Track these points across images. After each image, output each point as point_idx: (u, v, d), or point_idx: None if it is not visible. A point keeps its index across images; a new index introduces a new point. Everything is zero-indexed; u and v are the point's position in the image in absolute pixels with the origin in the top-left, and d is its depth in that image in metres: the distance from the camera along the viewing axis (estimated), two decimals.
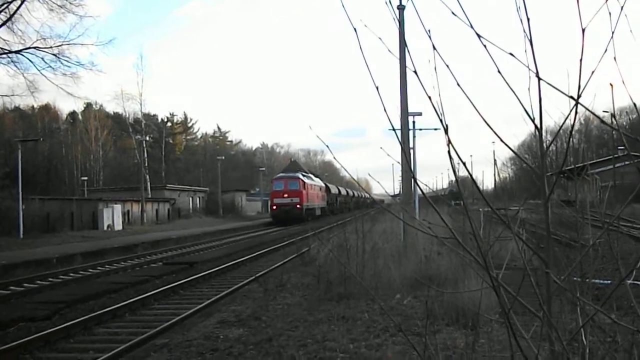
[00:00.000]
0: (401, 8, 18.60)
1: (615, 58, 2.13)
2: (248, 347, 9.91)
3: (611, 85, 2.20)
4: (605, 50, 2.13)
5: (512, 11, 2.16)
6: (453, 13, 2.13)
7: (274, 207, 59.91)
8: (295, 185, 60.07)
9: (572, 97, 2.09)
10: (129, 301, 14.82)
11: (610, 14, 2.07)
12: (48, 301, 15.14)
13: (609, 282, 8.19)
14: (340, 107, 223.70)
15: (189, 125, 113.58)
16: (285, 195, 58.81)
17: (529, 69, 2.16)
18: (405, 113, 20.14)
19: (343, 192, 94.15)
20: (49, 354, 10.68)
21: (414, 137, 35.86)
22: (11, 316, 13.22)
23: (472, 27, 2.16)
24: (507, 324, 2.37)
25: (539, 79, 2.14)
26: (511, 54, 2.14)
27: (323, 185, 77.03)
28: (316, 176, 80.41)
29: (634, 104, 2.33)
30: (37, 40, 35.44)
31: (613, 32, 2.10)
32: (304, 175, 65.59)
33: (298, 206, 58.51)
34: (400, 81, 19.44)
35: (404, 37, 15.37)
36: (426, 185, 4.19)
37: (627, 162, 2.50)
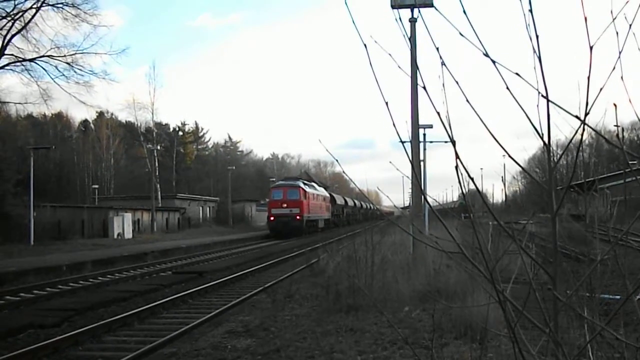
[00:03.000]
0: (413, 21, 18.68)
1: (622, 77, 2.15)
2: (256, 357, 9.92)
3: (615, 105, 2.22)
4: (614, 68, 2.15)
5: (522, 28, 2.18)
6: (461, 34, 2.16)
7: (272, 218, 54.70)
8: (295, 194, 55.36)
9: (577, 117, 2.10)
10: (138, 310, 14.85)
11: (617, 33, 2.09)
12: (57, 308, 15.21)
13: (619, 297, 8.15)
14: (350, 118, 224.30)
15: (200, 134, 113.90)
16: (284, 205, 54.04)
17: (538, 91, 2.17)
18: (415, 125, 20.15)
19: (350, 203, 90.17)
20: None
21: (425, 149, 35.91)
22: (21, 323, 13.28)
23: (483, 48, 2.18)
24: (513, 339, 2.37)
25: (548, 99, 2.16)
26: (517, 74, 2.16)
27: (327, 195, 72.31)
28: (320, 185, 75.75)
29: None
30: (51, 48, 35.91)
31: (620, 52, 2.12)
32: (305, 184, 60.64)
33: (298, 217, 53.90)
34: (411, 93, 19.45)
35: (415, 51, 15.39)
36: (435, 200, 4.20)
37: (636, 177, 2.50)
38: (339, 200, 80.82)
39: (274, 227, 53.86)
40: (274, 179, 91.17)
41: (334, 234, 46.46)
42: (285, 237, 50.53)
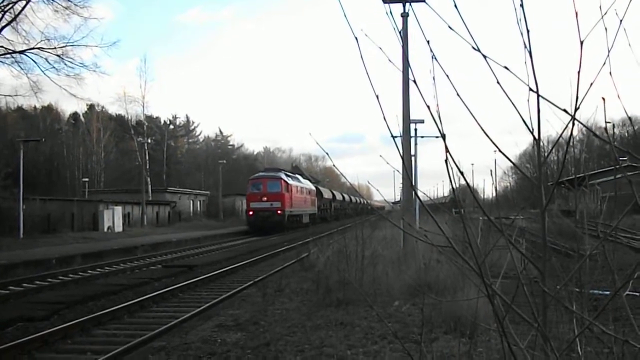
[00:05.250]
0: (404, 16, 18.67)
1: (610, 73, 2.15)
2: (246, 351, 9.92)
3: (603, 99, 2.23)
4: (604, 64, 2.15)
5: (513, 23, 2.18)
6: (451, 28, 2.15)
7: (250, 213, 50.59)
8: (276, 186, 50.93)
9: (566, 112, 2.11)
10: (128, 303, 14.82)
11: (606, 29, 2.09)
12: (47, 302, 15.16)
13: (608, 292, 8.18)
14: (341, 112, 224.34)
15: (191, 128, 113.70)
16: (264, 199, 49.75)
17: (528, 85, 2.18)
18: (407, 120, 20.16)
19: (339, 197, 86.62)
20: (47, 355, 10.68)
21: (416, 144, 35.94)
22: (10, 316, 13.23)
23: (474, 43, 2.18)
24: (502, 333, 2.38)
25: (538, 94, 2.16)
26: (506, 67, 2.16)
27: (313, 188, 67.72)
28: (305, 177, 71.85)
29: (629, 118, 2.35)
30: (41, 41, 35.55)
31: (610, 48, 2.12)
32: (287, 175, 56.36)
33: (279, 212, 49.69)
34: (403, 88, 19.46)
35: (407, 45, 15.38)
36: (425, 194, 4.22)
37: (624, 174, 2.51)
38: (326, 193, 77.36)
39: (253, 222, 50.15)
40: None
41: (320, 229, 45.91)
42: (266, 233, 46.95)
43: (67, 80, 36.14)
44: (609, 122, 2.42)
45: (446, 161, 2.34)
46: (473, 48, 2.18)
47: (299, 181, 61.23)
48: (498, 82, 2.21)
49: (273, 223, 49.09)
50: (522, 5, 2.14)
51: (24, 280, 19.06)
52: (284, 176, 53.75)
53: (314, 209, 65.21)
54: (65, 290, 17.86)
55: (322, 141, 3.18)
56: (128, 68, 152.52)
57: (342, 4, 2.32)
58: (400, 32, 2.39)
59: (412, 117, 21.16)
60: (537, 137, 2.27)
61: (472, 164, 53.65)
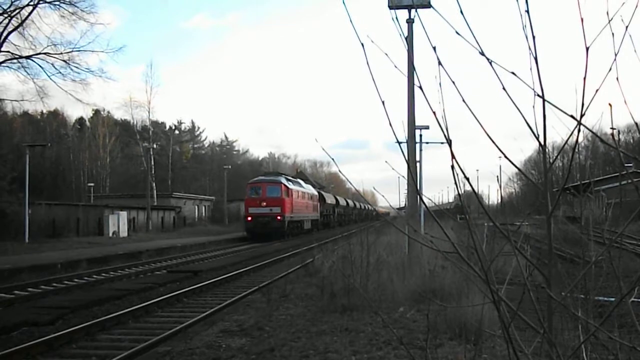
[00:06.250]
0: (410, 22, 18.71)
1: (617, 79, 2.15)
2: (250, 356, 9.91)
3: (610, 105, 2.23)
4: (610, 70, 2.15)
5: (519, 29, 2.19)
6: (457, 32, 2.16)
7: (249, 218, 48.17)
8: (276, 191, 48.77)
9: (573, 117, 2.11)
10: (133, 308, 14.83)
11: (613, 34, 2.09)
12: (52, 306, 15.17)
13: (613, 299, 8.14)
14: (345, 119, 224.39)
15: (197, 133, 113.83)
16: (263, 204, 47.64)
17: (534, 91, 2.18)
18: (412, 126, 20.15)
19: (342, 202, 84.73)
20: (51, 359, 10.70)
21: (421, 150, 35.91)
22: (15, 320, 13.25)
23: (479, 47, 2.18)
24: (507, 339, 2.38)
25: (544, 99, 2.16)
26: (513, 73, 2.16)
27: (316, 193, 65.32)
28: (307, 182, 69.34)
29: (636, 124, 2.35)
30: (48, 46, 35.90)
31: (616, 54, 2.12)
32: (288, 180, 54.05)
33: (279, 217, 47.53)
34: (408, 94, 19.45)
35: (412, 51, 15.35)
36: (430, 200, 4.22)
37: (630, 181, 2.50)
38: (329, 199, 75.03)
39: (252, 228, 47.81)
40: None
41: (323, 235, 45.24)
42: (265, 240, 44.97)
43: (73, 85, 36.54)
44: (614, 129, 2.42)
45: (452, 167, 2.34)
46: (480, 53, 2.18)
47: (301, 186, 59.06)
48: (504, 88, 2.21)
49: (272, 229, 47.30)
50: (527, 12, 2.14)
51: (29, 284, 19.10)
52: (284, 180, 51.84)
53: (316, 215, 63.25)
54: (70, 294, 17.89)
55: (326, 147, 3.17)
56: (134, 74, 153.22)
57: (348, 10, 2.33)
58: (405, 38, 2.40)
59: (417, 123, 21.14)
60: (543, 143, 2.27)
61: (477, 170, 53.68)
